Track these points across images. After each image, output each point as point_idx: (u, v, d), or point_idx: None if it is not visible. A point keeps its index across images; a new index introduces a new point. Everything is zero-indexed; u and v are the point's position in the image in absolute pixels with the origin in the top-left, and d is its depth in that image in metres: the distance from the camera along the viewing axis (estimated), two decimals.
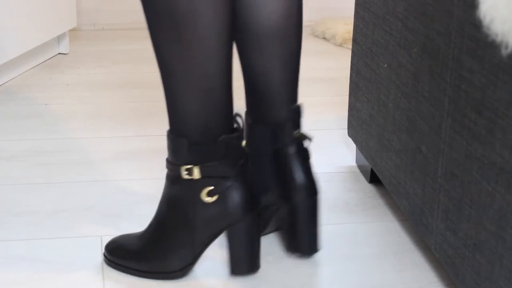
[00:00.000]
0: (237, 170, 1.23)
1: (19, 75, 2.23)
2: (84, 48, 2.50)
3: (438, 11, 1.20)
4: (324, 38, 2.69)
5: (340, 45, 2.62)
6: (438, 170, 1.22)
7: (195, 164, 1.23)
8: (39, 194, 1.57)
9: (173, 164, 1.26)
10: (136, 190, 1.59)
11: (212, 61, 1.18)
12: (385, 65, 1.44)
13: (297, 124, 1.33)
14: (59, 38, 2.41)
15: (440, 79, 1.20)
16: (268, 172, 1.34)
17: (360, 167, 1.70)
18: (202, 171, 1.23)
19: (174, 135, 1.26)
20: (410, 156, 1.33)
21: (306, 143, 1.34)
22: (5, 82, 2.16)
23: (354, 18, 1.60)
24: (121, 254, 1.31)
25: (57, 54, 2.42)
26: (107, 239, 1.41)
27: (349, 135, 1.68)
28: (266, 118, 1.33)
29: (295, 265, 1.35)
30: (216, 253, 1.37)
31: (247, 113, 1.36)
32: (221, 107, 1.22)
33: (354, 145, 1.72)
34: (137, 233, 1.33)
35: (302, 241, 1.34)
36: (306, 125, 1.89)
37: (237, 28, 1.26)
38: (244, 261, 1.27)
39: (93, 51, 2.48)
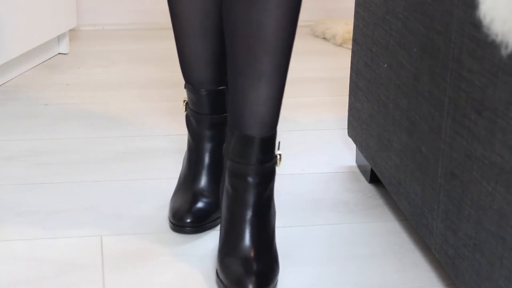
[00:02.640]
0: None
1: (19, 75, 2.23)
2: (84, 48, 2.50)
3: (438, 11, 1.20)
4: (324, 38, 2.69)
5: (340, 45, 2.62)
6: (438, 170, 1.22)
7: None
8: (39, 194, 1.57)
9: None
10: (136, 190, 1.59)
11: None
12: (385, 65, 1.44)
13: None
14: (59, 38, 2.41)
15: (440, 79, 1.20)
16: None
17: (360, 167, 1.70)
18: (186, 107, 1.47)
19: None
20: (410, 156, 1.33)
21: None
22: (5, 82, 2.16)
23: (354, 18, 1.60)
24: None
25: (57, 54, 2.42)
26: (107, 239, 1.41)
27: (349, 135, 1.68)
28: None
29: (294, 265, 1.35)
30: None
31: None
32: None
33: (354, 145, 1.72)
34: None
35: None
36: (306, 125, 1.89)
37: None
38: None
39: (93, 51, 2.48)
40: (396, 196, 1.41)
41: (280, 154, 1.32)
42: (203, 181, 1.44)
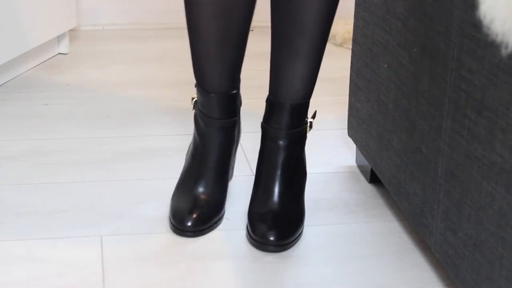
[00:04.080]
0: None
1: (19, 75, 2.23)
2: (84, 48, 2.50)
3: (438, 11, 1.20)
4: None
5: (340, 45, 2.62)
6: (438, 170, 1.22)
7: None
8: (39, 194, 1.57)
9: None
10: (136, 190, 1.59)
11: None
12: (385, 65, 1.44)
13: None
14: (59, 38, 2.41)
15: (440, 79, 1.20)
16: None
17: (360, 167, 1.70)
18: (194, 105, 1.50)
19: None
20: (410, 156, 1.33)
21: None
22: (5, 82, 2.16)
23: (354, 18, 1.60)
24: None
25: (57, 54, 2.42)
26: (107, 239, 1.41)
27: (349, 135, 1.68)
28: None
29: (294, 265, 1.35)
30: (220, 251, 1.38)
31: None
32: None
33: (354, 145, 1.72)
34: None
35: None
36: None
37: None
38: None
39: (93, 51, 2.48)
40: (396, 196, 1.41)
41: (311, 122, 1.48)
42: (205, 183, 1.45)
